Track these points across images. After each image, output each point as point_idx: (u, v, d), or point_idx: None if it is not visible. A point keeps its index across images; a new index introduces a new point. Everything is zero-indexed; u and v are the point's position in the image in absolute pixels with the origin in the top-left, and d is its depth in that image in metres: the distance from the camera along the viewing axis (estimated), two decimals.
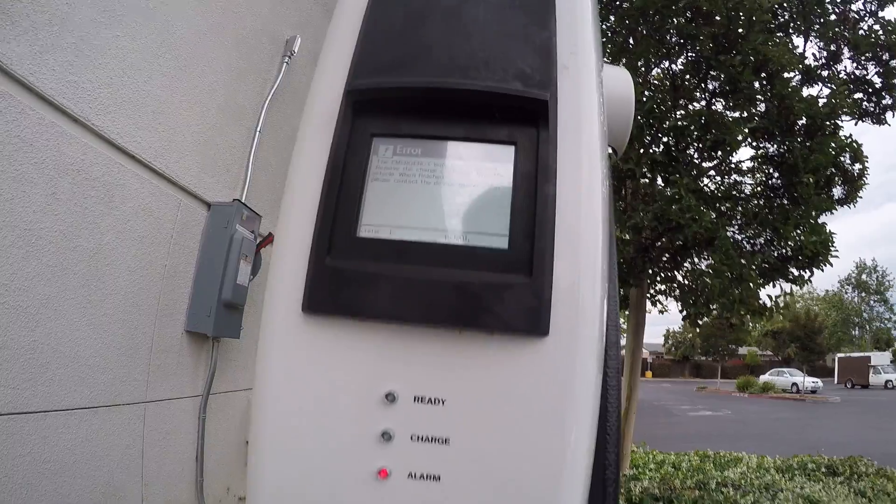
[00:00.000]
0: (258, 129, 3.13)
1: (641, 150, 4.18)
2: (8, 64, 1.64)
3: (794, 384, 32.39)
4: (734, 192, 4.66)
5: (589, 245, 0.50)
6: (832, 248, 4.10)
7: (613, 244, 0.62)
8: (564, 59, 0.56)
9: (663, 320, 70.68)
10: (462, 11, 0.57)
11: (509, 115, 0.53)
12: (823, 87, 4.50)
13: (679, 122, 4.09)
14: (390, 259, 0.49)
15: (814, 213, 4.19)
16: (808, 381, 32.15)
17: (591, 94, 0.56)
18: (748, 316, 4.48)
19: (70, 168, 1.96)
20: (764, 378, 35.58)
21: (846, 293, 64.24)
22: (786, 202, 4.41)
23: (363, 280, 0.47)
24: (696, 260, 4.51)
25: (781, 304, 4.45)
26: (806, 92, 4.33)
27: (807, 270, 4.24)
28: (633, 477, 4.17)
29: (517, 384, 0.48)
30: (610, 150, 0.74)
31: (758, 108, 4.30)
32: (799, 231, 4.05)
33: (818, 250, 3.98)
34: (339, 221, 0.49)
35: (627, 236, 4.23)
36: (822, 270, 4.19)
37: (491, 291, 0.47)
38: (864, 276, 63.45)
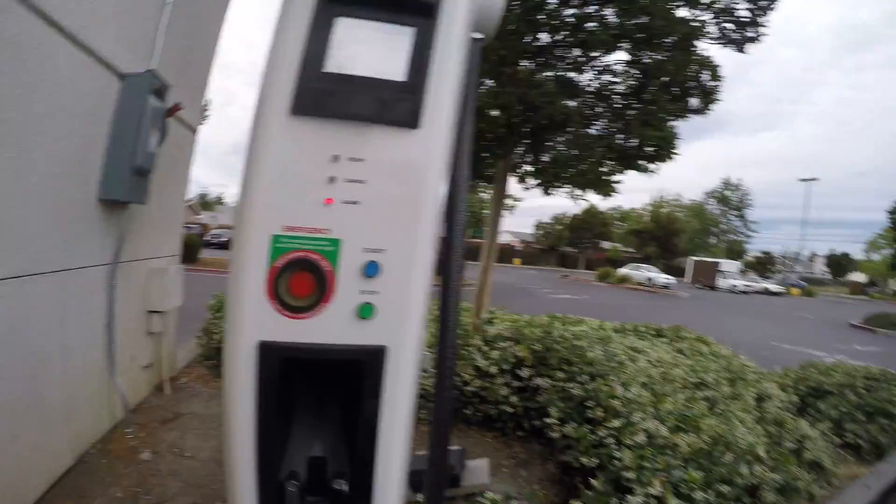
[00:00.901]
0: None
1: (521, 41, 4.62)
2: None
3: (649, 278, 36.03)
4: (605, 92, 5.29)
5: (447, 81, 0.94)
6: (673, 147, 4.99)
7: (474, 107, 1.05)
8: None
9: (535, 212, 75.90)
10: None
11: (414, 9, 0.92)
12: (693, 11, 4.98)
13: (552, 21, 4.55)
14: (342, 84, 0.89)
15: (664, 116, 4.95)
16: (662, 278, 35.88)
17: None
18: (588, 189, 5.53)
19: (11, 42, 1.99)
20: (622, 271, 38.81)
21: (709, 205, 71.31)
22: (645, 104, 5.13)
23: (327, 94, 0.88)
24: (552, 141, 5.26)
25: (616, 182, 5.40)
26: (681, 13, 4.83)
27: (652, 163, 5.16)
28: (487, 321, 4.96)
29: (402, 153, 0.92)
30: (479, 36, 1.14)
31: (635, 18, 4.76)
32: (648, 129, 4.83)
33: (661, 145, 4.84)
34: (312, 62, 0.88)
35: (498, 113, 4.80)
36: (665, 162, 5.13)
37: (393, 101, 0.90)
38: (727, 192, 70.55)
